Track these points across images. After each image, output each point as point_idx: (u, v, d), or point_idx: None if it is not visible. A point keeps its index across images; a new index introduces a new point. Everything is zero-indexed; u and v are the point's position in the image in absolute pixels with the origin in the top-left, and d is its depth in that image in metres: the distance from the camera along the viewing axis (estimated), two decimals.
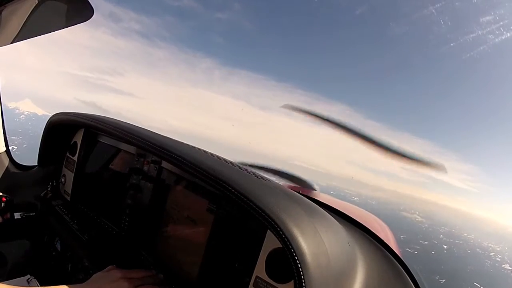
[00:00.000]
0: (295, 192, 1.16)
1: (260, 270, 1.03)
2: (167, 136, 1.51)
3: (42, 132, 1.86)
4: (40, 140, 1.89)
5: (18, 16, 1.44)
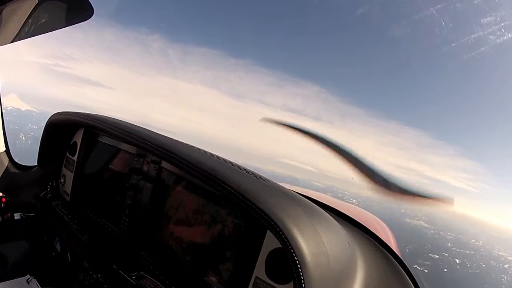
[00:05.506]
0: (295, 193, 1.24)
1: (259, 270, 1.12)
2: (160, 132, 1.60)
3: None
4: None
5: (18, 16, 1.53)
